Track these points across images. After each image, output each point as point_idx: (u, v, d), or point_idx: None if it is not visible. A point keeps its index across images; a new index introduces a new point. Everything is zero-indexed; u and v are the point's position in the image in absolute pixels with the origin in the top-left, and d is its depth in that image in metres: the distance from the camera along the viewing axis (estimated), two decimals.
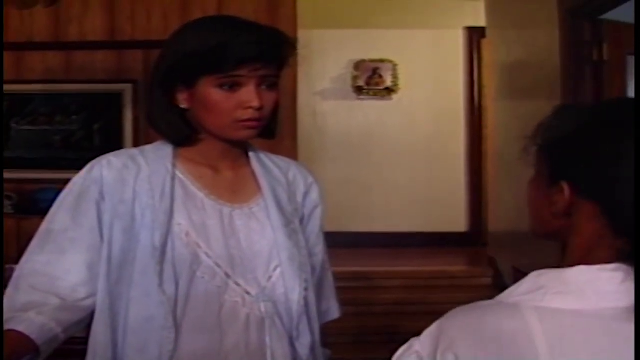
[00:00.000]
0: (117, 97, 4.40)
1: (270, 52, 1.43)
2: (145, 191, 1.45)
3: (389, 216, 6.81)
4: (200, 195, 1.49)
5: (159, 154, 1.51)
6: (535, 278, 0.97)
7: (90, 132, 4.43)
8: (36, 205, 4.17)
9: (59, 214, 1.47)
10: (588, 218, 0.96)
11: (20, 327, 1.33)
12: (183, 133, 1.50)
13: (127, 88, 4.40)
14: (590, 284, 0.94)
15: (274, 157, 1.63)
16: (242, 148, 1.57)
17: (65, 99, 4.42)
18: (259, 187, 1.54)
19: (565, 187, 0.98)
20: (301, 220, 1.58)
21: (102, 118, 4.43)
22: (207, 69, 1.41)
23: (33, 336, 1.33)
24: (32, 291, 1.41)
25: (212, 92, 1.43)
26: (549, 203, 1.00)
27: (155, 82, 1.49)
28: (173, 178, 1.48)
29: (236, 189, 1.53)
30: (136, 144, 4.35)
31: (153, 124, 1.52)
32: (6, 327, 1.33)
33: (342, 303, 1.69)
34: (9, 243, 3.93)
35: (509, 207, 5.19)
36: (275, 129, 1.57)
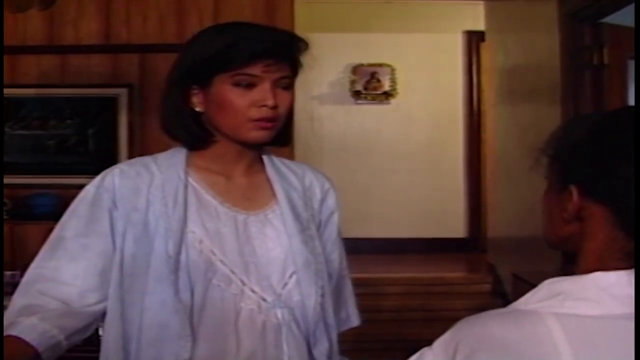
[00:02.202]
0: (112, 101, 4.38)
1: (283, 48, 1.45)
2: (158, 199, 1.45)
3: (387, 222, 6.79)
4: (214, 202, 1.49)
5: (172, 161, 1.51)
6: (551, 285, 0.97)
7: (85, 137, 4.40)
8: (30, 210, 4.12)
9: (71, 221, 1.47)
10: (600, 222, 0.97)
11: (20, 333, 1.32)
12: (197, 135, 1.50)
13: (122, 92, 4.38)
14: (608, 289, 0.93)
15: (289, 163, 1.62)
16: (256, 152, 1.56)
17: (60, 103, 4.39)
18: (273, 194, 1.53)
19: (574, 190, 0.98)
20: (318, 227, 1.58)
21: (96, 123, 4.41)
22: (222, 66, 1.42)
23: (34, 342, 1.32)
24: (38, 296, 1.40)
25: (227, 90, 1.43)
26: (560, 209, 1.00)
27: (171, 85, 1.50)
28: (186, 186, 1.48)
29: (250, 195, 1.53)
30: (131, 148, 4.33)
31: (167, 129, 1.52)
32: (7, 332, 1.32)
33: None
34: (4, 249, 3.89)
35: (508, 213, 5.16)
36: (291, 135, 1.57)
